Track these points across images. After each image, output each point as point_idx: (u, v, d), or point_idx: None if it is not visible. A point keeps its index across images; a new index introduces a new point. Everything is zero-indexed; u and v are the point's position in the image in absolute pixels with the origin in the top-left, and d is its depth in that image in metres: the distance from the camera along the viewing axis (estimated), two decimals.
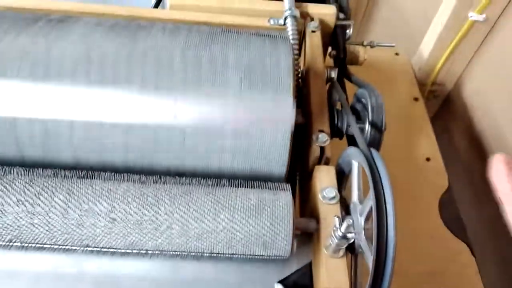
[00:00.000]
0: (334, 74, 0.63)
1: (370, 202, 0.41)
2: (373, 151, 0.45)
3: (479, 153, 0.87)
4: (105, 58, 0.46)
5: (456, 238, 0.73)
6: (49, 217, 0.41)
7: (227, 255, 0.44)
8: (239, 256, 0.44)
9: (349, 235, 0.40)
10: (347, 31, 0.71)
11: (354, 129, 0.50)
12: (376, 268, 0.39)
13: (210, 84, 0.45)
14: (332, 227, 0.43)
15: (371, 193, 0.40)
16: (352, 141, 0.58)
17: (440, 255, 0.70)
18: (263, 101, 0.45)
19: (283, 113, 0.46)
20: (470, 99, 0.92)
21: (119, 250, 0.44)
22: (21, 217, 0.41)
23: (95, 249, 0.44)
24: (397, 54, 0.97)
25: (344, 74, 0.65)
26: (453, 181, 0.79)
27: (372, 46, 0.74)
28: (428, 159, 0.81)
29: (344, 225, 0.40)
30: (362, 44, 0.72)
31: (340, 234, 0.40)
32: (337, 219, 0.41)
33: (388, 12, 1.18)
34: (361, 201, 0.46)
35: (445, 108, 1.00)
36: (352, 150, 0.47)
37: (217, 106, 0.45)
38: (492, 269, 0.81)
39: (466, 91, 0.93)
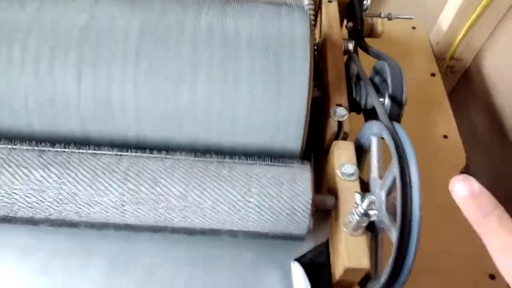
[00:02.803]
0: (351, 46, 0.60)
1: (391, 175, 0.39)
2: (396, 124, 0.43)
3: (497, 130, 0.85)
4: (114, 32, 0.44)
5: None
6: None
7: (243, 232, 0.43)
8: (256, 233, 0.43)
9: (371, 212, 0.38)
10: (365, 1, 0.67)
11: (375, 102, 0.48)
12: (400, 243, 0.37)
13: (222, 62, 0.43)
14: (352, 204, 0.42)
15: (395, 166, 0.38)
16: (369, 116, 0.56)
17: (458, 235, 0.68)
18: (278, 77, 0.43)
19: (298, 87, 0.44)
20: (489, 75, 0.88)
21: (135, 226, 0.43)
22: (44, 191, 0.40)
23: (111, 223, 0.42)
24: (414, 27, 0.94)
25: (361, 46, 0.63)
26: (471, 158, 0.77)
27: (390, 19, 0.70)
28: (445, 136, 0.79)
29: (366, 201, 0.38)
30: (379, 16, 0.69)
31: (362, 211, 0.38)
32: (358, 196, 0.39)
33: None
34: (381, 177, 0.44)
35: (463, 84, 0.96)
36: (373, 123, 0.45)
37: (230, 86, 0.43)
38: None
39: (486, 67, 0.89)
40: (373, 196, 0.38)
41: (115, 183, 0.40)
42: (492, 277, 0.65)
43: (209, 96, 0.44)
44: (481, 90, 0.90)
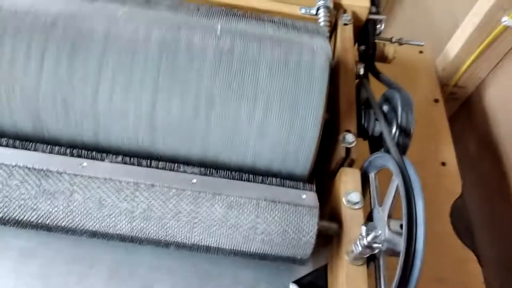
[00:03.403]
0: (362, 70, 0.60)
1: (390, 198, 0.40)
2: (405, 159, 0.44)
3: (494, 161, 0.86)
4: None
5: (465, 247, 0.72)
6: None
7: (245, 253, 0.43)
8: (259, 254, 0.43)
9: (374, 245, 0.39)
10: (378, 26, 0.68)
11: (385, 133, 0.48)
12: (404, 266, 0.38)
13: (239, 87, 0.44)
14: (355, 233, 0.42)
15: (403, 205, 0.39)
16: (375, 143, 0.56)
17: (448, 262, 0.70)
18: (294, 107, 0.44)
19: (312, 119, 0.44)
20: (490, 105, 0.90)
21: (139, 238, 0.43)
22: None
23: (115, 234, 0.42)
24: (421, 52, 0.95)
25: (373, 72, 0.63)
26: (466, 187, 0.78)
27: (400, 44, 0.71)
28: (443, 164, 0.80)
29: (371, 235, 0.39)
30: (390, 41, 0.70)
31: (366, 243, 0.39)
32: (364, 228, 0.39)
33: (411, 9, 1.15)
34: (379, 204, 0.45)
35: (463, 111, 0.98)
36: (383, 155, 0.45)
37: (245, 110, 0.44)
38: (498, 280, 0.81)
39: (487, 97, 0.91)
40: (379, 230, 0.38)
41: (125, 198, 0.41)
42: None
43: (224, 117, 0.44)
44: (481, 119, 0.91)
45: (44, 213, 0.40)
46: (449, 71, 0.91)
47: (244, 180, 0.44)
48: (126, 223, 0.41)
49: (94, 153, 0.43)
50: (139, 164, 0.43)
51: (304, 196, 0.44)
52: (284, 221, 0.41)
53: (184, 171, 0.44)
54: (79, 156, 0.42)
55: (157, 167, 0.43)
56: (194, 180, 0.43)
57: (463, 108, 0.98)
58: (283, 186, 0.45)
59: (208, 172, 0.44)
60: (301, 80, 0.44)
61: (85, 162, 0.41)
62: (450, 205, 0.75)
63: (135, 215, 0.40)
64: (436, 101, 0.88)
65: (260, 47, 0.45)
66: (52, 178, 0.40)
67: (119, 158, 0.43)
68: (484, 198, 0.89)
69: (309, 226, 0.42)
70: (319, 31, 0.48)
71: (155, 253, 0.45)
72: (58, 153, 0.42)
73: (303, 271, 0.47)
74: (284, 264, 0.47)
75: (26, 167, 0.40)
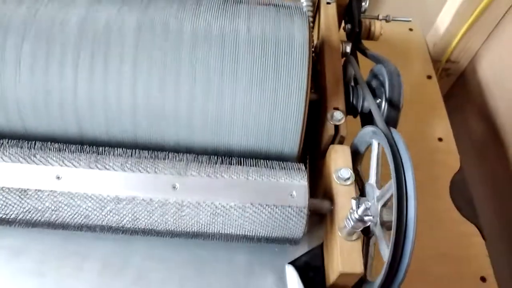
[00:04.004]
0: (349, 48, 0.60)
1: (391, 188, 0.39)
2: (393, 130, 0.43)
3: (492, 134, 0.85)
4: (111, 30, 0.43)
5: (466, 221, 0.71)
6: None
7: (238, 236, 0.43)
8: (251, 237, 0.43)
9: (366, 218, 0.38)
10: (363, 3, 0.67)
11: (372, 107, 0.48)
12: (394, 252, 0.37)
13: (220, 64, 0.43)
14: (347, 209, 0.42)
15: (393, 179, 0.38)
16: (366, 120, 0.56)
17: (449, 238, 0.69)
18: (276, 82, 0.43)
19: (296, 92, 0.43)
20: (485, 78, 0.89)
21: (128, 228, 0.43)
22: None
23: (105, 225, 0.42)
24: (411, 29, 0.94)
25: (359, 49, 0.63)
26: (464, 162, 0.77)
27: (387, 21, 0.71)
28: (440, 139, 0.79)
29: (362, 208, 0.38)
30: (377, 18, 0.69)
31: (357, 216, 0.39)
32: (354, 202, 0.39)
33: None
34: (377, 183, 0.44)
35: (458, 87, 0.97)
36: (370, 129, 0.45)
37: (228, 88, 0.43)
38: (503, 252, 0.80)
39: (482, 70, 0.90)
40: (368, 202, 0.38)
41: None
42: (483, 279, 0.66)
43: (206, 98, 0.43)
44: (477, 93, 0.90)
45: (32, 210, 0.40)
46: (440, 46, 0.90)
47: (232, 164, 0.44)
48: (116, 224, 0.41)
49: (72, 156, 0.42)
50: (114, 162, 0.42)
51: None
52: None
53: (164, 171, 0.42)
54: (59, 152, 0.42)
55: (137, 162, 0.42)
56: (177, 185, 0.41)
57: (458, 83, 0.97)
58: (272, 167, 0.44)
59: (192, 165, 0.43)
60: (281, 56, 0.43)
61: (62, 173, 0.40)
62: (449, 180, 0.75)
63: (123, 223, 0.40)
64: (429, 77, 0.87)
65: (237, 25, 0.44)
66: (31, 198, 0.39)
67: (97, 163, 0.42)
68: (484, 172, 0.88)
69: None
70: (297, 8, 0.48)
71: (148, 243, 0.45)
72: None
73: (299, 251, 0.47)
74: (279, 246, 0.46)
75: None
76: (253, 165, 0.44)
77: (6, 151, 0.40)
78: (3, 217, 0.40)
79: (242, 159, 0.45)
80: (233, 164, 0.44)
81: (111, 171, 0.40)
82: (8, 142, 0.42)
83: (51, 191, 0.39)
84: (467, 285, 0.66)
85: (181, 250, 0.45)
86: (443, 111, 0.82)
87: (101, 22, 0.43)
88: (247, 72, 0.43)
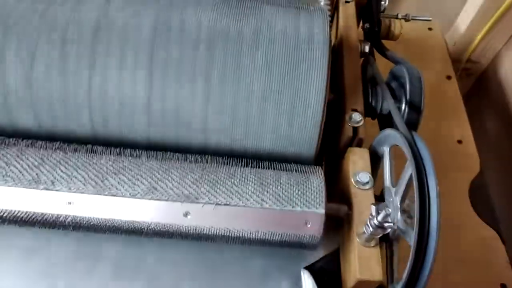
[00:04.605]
0: (367, 48, 0.58)
1: (405, 181, 0.38)
2: (415, 134, 0.42)
3: None
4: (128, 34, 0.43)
5: (486, 225, 0.69)
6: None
7: (254, 240, 0.42)
8: (267, 241, 0.42)
9: (386, 225, 0.37)
10: (382, 2, 0.66)
11: (393, 109, 0.46)
12: (416, 252, 0.36)
13: (237, 63, 0.42)
14: (366, 214, 0.41)
15: (414, 181, 0.37)
16: (384, 121, 0.54)
17: (469, 242, 0.67)
18: (295, 81, 0.42)
19: (315, 93, 0.42)
20: (507, 78, 0.86)
21: (142, 228, 0.42)
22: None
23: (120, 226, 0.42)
24: (430, 28, 0.91)
25: (379, 49, 0.61)
26: (484, 165, 0.75)
27: (407, 20, 0.69)
28: (459, 142, 0.77)
29: (382, 214, 0.37)
30: (396, 17, 0.67)
31: (377, 223, 0.37)
32: (373, 207, 0.38)
33: None
34: (393, 185, 0.43)
35: (478, 87, 0.94)
36: (391, 132, 0.43)
37: (244, 89, 0.42)
38: None
39: (503, 70, 0.87)
40: (389, 209, 0.37)
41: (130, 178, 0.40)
42: (503, 286, 0.64)
43: (222, 99, 0.42)
44: (497, 94, 0.88)
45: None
46: (460, 46, 0.88)
47: (246, 166, 0.43)
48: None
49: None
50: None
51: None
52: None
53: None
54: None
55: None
56: (189, 213, 0.40)
57: (479, 84, 0.94)
58: (288, 169, 0.43)
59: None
60: (301, 56, 0.42)
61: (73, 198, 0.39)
62: (469, 183, 0.73)
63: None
64: (449, 77, 0.85)
65: (256, 27, 0.43)
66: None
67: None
68: (504, 175, 0.85)
69: (316, 208, 0.40)
70: (317, 8, 0.47)
71: (160, 245, 0.44)
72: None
73: (315, 256, 0.46)
74: (295, 251, 0.45)
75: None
76: (270, 167, 0.44)
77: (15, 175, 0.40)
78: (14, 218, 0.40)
79: (258, 162, 0.44)
80: (249, 166, 0.43)
81: (122, 198, 0.39)
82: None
83: (63, 215, 0.39)
84: None
85: (194, 253, 0.45)
86: (463, 112, 0.80)
87: (118, 22, 0.43)
88: (266, 72, 0.42)
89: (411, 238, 0.37)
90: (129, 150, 0.43)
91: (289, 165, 0.44)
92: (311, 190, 0.41)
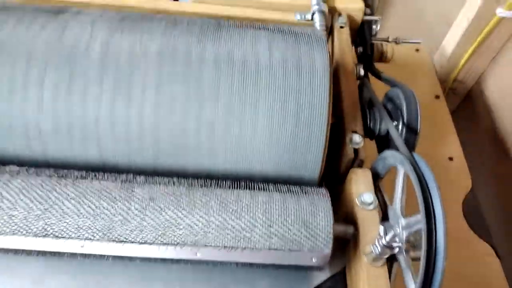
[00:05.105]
0: (363, 71, 0.60)
1: (418, 224, 0.39)
2: (416, 155, 0.43)
3: (501, 152, 0.85)
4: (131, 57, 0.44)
5: (481, 240, 0.71)
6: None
7: (261, 264, 0.42)
8: (274, 264, 0.42)
9: (394, 245, 0.38)
10: (373, 26, 0.68)
11: (392, 131, 0.48)
12: (425, 272, 0.37)
13: (241, 90, 0.43)
14: (372, 234, 0.42)
15: (422, 211, 0.38)
16: (382, 143, 0.56)
17: (465, 257, 0.69)
18: (297, 107, 0.44)
19: (318, 118, 0.44)
20: (492, 97, 0.89)
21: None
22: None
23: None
24: (417, 50, 0.95)
25: (373, 72, 0.63)
26: (476, 181, 0.78)
27: (397, 43, 0.71)
28: (451, 159, 0.80)
29: (390, 234, 0.38)
30: (387, 41, 0.70)
31: (385, 243, 0.38)
32: (382, 228, 0.39)
33: (401, 7, 1.15)
34: (402, 209, 0.44)
35: (465, 106, 0.98)
36: (392, 153, 0.45)
37: (248, 114, 0.43)
38: None
39: (488, 90, 0.91)
40: (397, 229, 0.38)
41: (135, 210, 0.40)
42: None
43: (227, 123, 0.43)
44: (483, 112, 0.91)
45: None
46: (447, 67, 0.91)
47: (252, 189, 0.44)
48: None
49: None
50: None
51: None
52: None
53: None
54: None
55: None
56: (198, 254, 0.41)
57: (465, 103, 0.98)
58: (294, 192, 0.44)
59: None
60: (303, 81, 0.44)
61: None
62: (462, 200, 0.75)
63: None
64: (437, 97, 0.88)
65: (258, 51, 0.45)
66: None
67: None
68: (495, 191, 0.88)
69: (325, 230, 0.41)
70: (316, 34, 0.48)
71: (169, 270, 0.44)
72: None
73: (321, 277, 0.46)
74: (301, 272, 0.46)
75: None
76: (274, 190, 0.44)
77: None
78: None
79: (263, 185, 0.45)
80: (256, 189, 0.44)
81: (131, 245, 0.40)
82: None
83: (75, 254, 0.40)
84: None
85: (202, 275, 0.45)
86: (453, 130, 0.83)
87: (124, 49, 0.44)
88: (269, 99, 0.43)
89: (409, 284, 0.38)
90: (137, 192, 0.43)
91: (296, 189, 0.45)
92: (319, 230, 0.41)
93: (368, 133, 0.55)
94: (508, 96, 0.84)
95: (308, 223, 0.41)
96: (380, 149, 0.57)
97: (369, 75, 0.65)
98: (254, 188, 0.44)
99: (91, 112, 0.43)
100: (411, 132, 0.52)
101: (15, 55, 0.43)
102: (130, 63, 0.43)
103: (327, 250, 0.41)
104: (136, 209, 0.40)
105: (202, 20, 0.49)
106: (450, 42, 0.88)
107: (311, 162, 0.45)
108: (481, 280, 0.67)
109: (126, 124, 0.43)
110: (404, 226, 0.41)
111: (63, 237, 0.39)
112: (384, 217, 0.47)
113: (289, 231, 0.41)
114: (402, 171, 0.43)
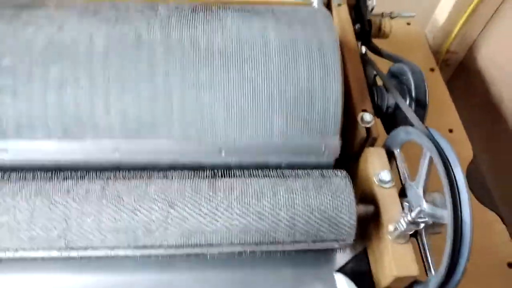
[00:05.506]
0: (364, 49, 0.60)
1: (424, 170, 0.40)
2: (432, 130, 0.43)
3: (497, 118, 0.86)
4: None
5: (486, 209, 0.72)
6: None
7: (286, 245, 0.42)
8: (300, 244, 0.42)
9: (419, 220, 0.38)
10: (369, 2, 0.67)
11: (404, 106, 0.48)
12: (454, 234, 0.38)
13: (251, 67, 0.43)
14: (392, 212, 0.42)
15: (442, 175, 0.38)
16: (388, 120, 0.56)
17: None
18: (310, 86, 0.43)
19: (332, 96, 0.43)
20: (485, 65, 0.90)
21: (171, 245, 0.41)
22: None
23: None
24: (408, 23, 0.94)
25: (372, 49, 0.63)
26: (476, 151, 0.78)
27: (392, 17, 0.71)
28: (450, 131, 0.80)
29: (416, 210, 0.38)
30: (381, 16, 0.69)
31: (410, 219, 0.38)
32: (406, 205, 0.39)
33: None
34: (425, 185, 0.44)
35: (458, 76, 0.98)
36: (406, 130, 0.45)
37: (262, 101, 0.43)
38: None
39: (480, 58, 0.91)
40: (423, 205, 0.38)
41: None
42: (510, 265, 0.67)
43: (242, 111, 0.43)
44: (477, 81, 0.91)
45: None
46: (439, 38, 0.91)
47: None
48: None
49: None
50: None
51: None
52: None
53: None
54: None
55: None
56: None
57: (458, 73, 0.98)
58: (314, 176, 0.44)
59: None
60: (314, 61, 0.43)
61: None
62: (465, 169, 0.75)
63: None
64: (432, 70, 0.88)
65: (265, 36, 0.44)
66: None
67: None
68: (495, 159, 0.89)
69: (349, 211, 0.41)
70: (322, 13, 0.47)
71: (191, 267, 0.44)
72: None
73: (343, 258, 0.46)
74: (323, 255, 0.46)
75: None
76: (291, 175, 0.44)
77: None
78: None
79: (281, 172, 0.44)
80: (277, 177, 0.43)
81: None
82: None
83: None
84: (495, 273, 0.67)
85: (224, 268, 0.44)
86: (450, 102, 0.83)
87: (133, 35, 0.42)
88: (280, 82, 0.43)
89: (439, 228, 0.38)
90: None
91: (315, 173, 0.44)
92: (342, 223, 0.41)
93: (376, 111, 0.54)
94: (500, 61, 0.85)
95: (332, 218, 0.41)
96: (386, 127, 0.57)
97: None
98: (272, 176, 0.44)
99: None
100: (420, 107, 0.52)
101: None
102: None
103: (350, 240, 0.41)
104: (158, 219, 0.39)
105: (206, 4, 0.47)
106: (442, 12, 0.88)
107: (329, 145, 0.45)
108: (490, 248, 0.68)
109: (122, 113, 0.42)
110: (429, 201, 0.41)
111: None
112: (401, 195, 0.47)
113: (313, 227, 0.40)
114: (428, 152, 0.43)
